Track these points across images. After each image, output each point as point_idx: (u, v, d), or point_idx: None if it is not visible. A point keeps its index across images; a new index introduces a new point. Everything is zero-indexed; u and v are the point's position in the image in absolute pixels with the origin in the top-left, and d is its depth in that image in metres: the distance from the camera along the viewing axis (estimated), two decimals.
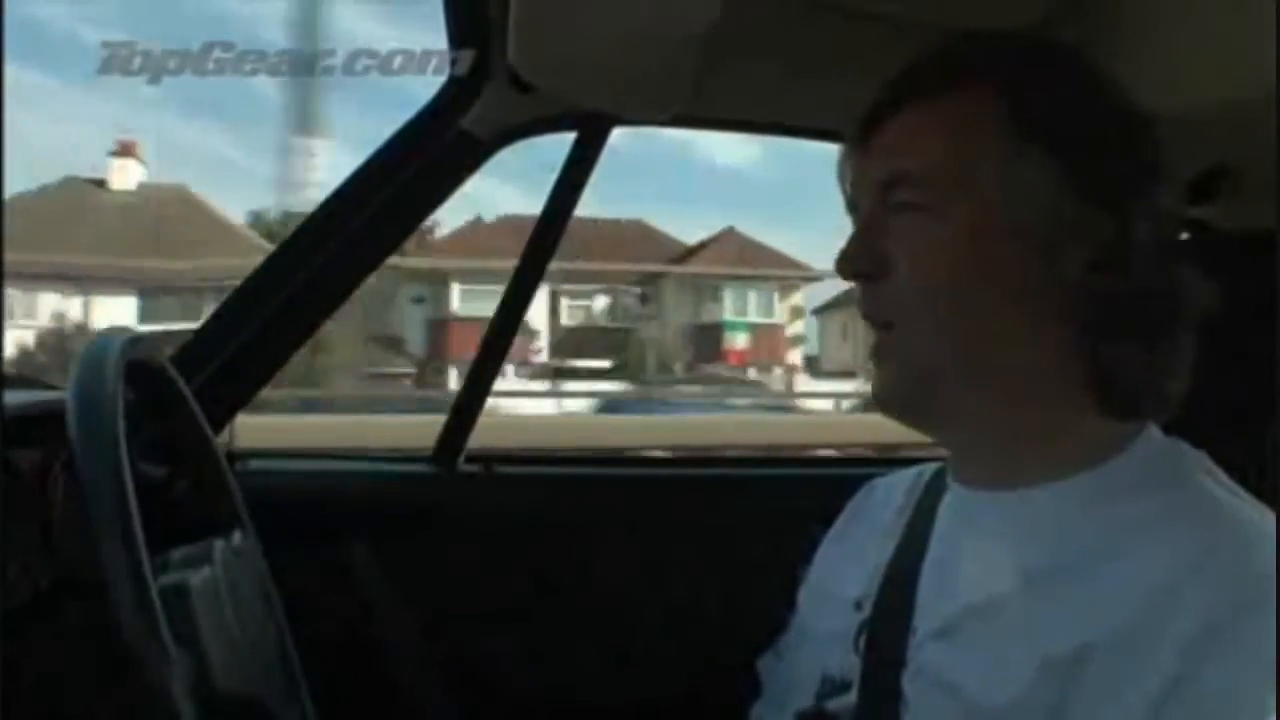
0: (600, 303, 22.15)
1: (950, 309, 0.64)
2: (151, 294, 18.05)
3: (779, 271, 21.97)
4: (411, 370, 19.22)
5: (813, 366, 22.30)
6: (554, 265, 1.38)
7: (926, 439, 0.73)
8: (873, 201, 0.68)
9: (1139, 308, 0.63)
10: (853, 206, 0.71)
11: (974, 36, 0.70)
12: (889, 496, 0.80)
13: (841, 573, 0.78)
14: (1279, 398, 1.09)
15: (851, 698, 0.69)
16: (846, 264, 0.68)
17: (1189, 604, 0.54)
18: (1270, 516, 0.60)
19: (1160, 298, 0.64)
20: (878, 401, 0.69)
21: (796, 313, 22.49)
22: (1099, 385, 0.65)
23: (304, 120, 14.39)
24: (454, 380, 16.26)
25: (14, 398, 0.82)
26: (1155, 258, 0.64)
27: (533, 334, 19.16)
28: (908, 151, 0.66)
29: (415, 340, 20.42)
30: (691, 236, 23.53)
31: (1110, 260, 0.63)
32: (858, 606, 0.72)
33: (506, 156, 1.27)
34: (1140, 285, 0.63)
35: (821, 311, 23.29)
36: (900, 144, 0.67)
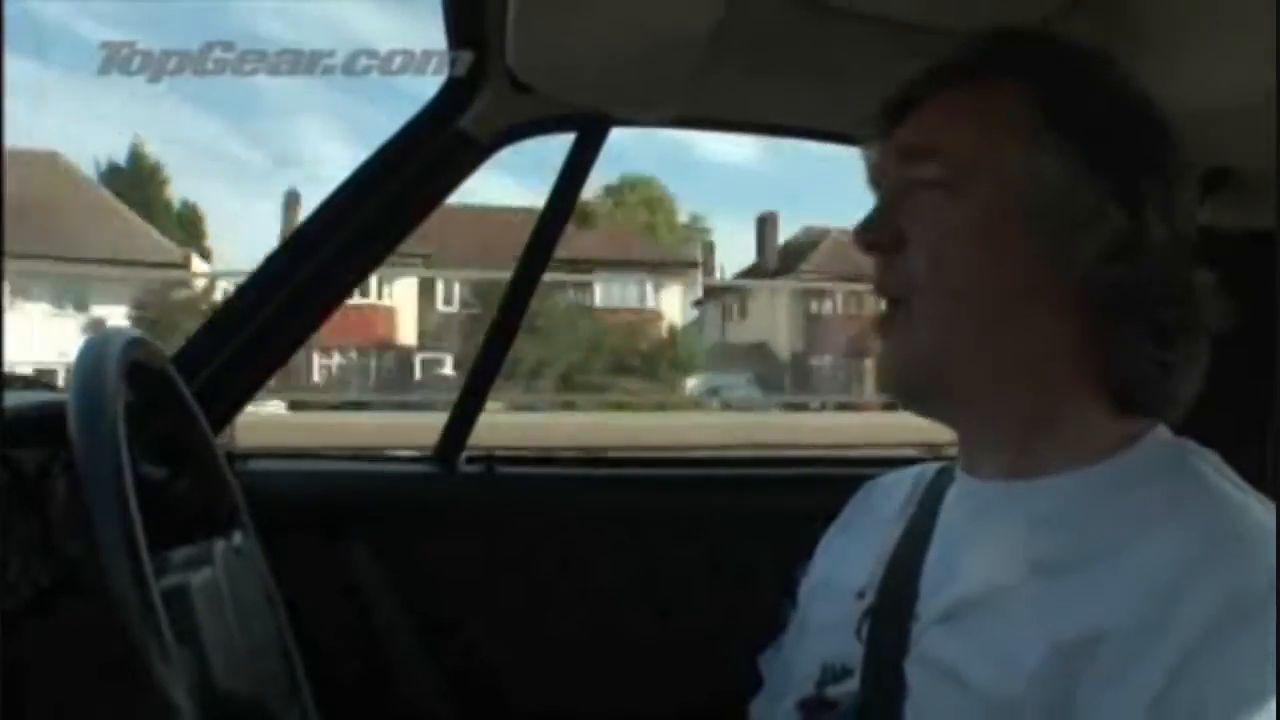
0: None
1: (961, 288, 0.65)
2: None
3: None
4: None
5: None
6: None
7: (927, 440, 0.73)
8: (894, 178, 0.69)
9: (1150, 302, 0.64)
10: (875, 182, 0.72)
11: (1004, 33, 0.71)
12: (891, 493, 0.81)
13: (843, 565, 0.78)
14: (1279, 397, 1.10)
15: (853, 685, 0.69)
16: (862, 235, 0.69)
17: (1195, 595, 0.54)
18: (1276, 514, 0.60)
19: (1172, 296, 0.64)
20: (882, 380, 0.70)
21: None
22: (1107, 377, 0.65)
23: None
24: None
25: (14, 398, 0.82)
26: (1169, 256, 0.64)
27: None
28: (933, 134, 0.67)
29: None
30: None
31: (1123, 252, 0.63)
32: (860, 595, 0.72)
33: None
34: (1152, 280, 0.63)
35: None
36: (926, 127, 0.68)
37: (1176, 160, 0.66)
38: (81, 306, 16.87)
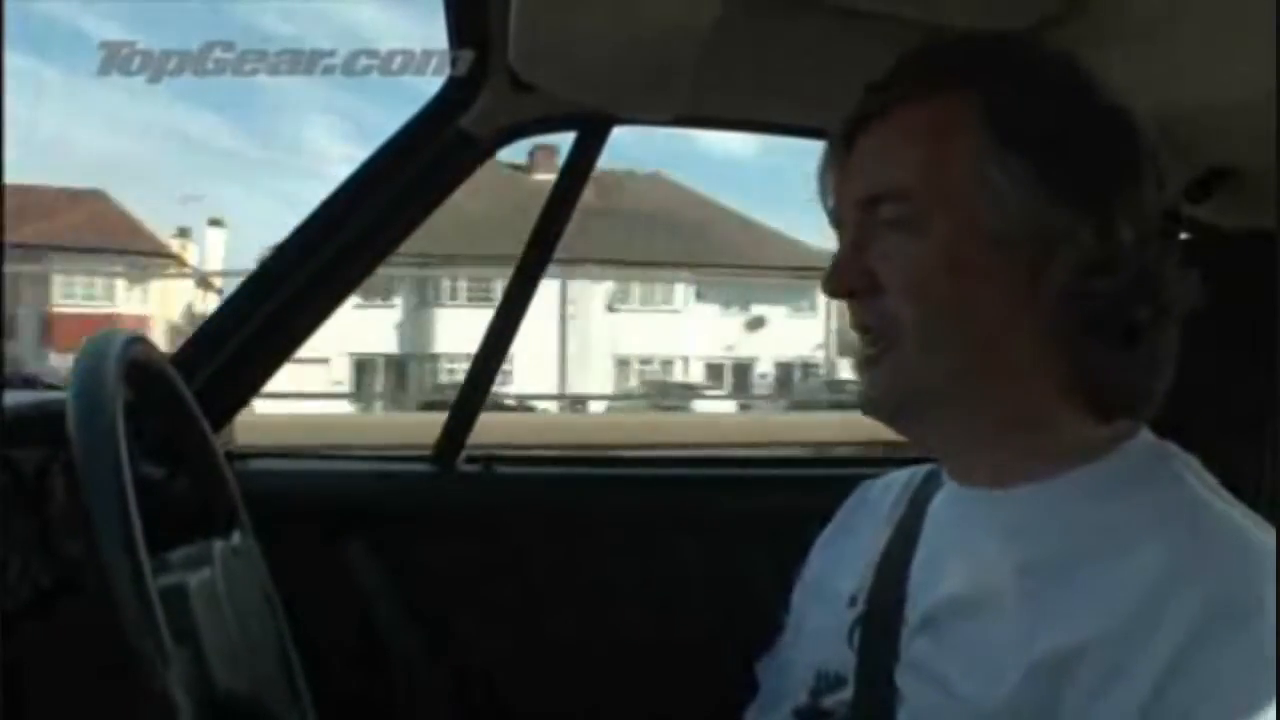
0: None
1: (938, 322, 0.64)
2: None
3: None
4: None
5: None
6: None
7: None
8: (856, 218, 0.68)
9: (1125, 308, 0.63)
10: (836, 220, 0.71)
11: (945, 42, 0.70)
12: (883, 496, 0.81)
13: (836, 570, 0.78)
14: (1279, 398, 1.10)
15: (847, 694, 0.69)
16: (834, 282, 0.68)
17: (1180, 601, 0.54)
18: (1258, 522, 0.60)
19: (1146, 296, 0.63)
20: (867, 407, 0.69)
21: None
22: (1087, 386, 0.65)
23: None
24: None
25: (14, 398, 0.82)
26: (1140, 256, 0.63)
27: None
28: (885, 167, 0.66)
29: None
30: None
31: (1095, 263, 0.62)
32: (851, 602, 0.72)
33: None
34: (1126, 285, 0.63)
35: None
36: (877, 159, 0.67)
37: (1145, 158, 0.65)
38: (744, 307, 20.59)
